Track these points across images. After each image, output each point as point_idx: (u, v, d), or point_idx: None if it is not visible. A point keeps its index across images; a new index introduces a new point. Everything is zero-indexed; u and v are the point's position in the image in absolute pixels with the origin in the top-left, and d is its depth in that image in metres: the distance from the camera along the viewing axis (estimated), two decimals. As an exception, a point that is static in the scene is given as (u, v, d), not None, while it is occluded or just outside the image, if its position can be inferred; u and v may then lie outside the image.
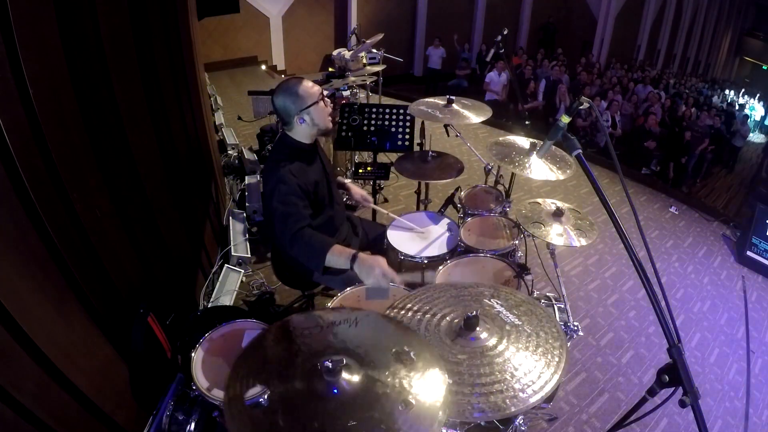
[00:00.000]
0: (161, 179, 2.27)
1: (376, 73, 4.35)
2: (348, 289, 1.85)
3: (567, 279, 3.35)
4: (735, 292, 3.67)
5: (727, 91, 10.30)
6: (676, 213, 4.79)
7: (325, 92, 1.94)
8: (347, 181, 2.35)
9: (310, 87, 1.83)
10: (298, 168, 1.83)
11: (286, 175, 1.78)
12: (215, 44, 8.72)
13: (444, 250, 2.16)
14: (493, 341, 1.23)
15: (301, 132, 1.88)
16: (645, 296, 1.00)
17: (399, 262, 2.18)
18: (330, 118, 1.91)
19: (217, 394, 1.44)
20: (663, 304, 0.99)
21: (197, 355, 1.57)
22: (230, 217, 3.45)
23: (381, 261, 1.63)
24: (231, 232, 3.28)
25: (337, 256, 1.70)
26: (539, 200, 2.28)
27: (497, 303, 1.38)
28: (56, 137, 1.34)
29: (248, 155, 4.37)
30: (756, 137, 10.17)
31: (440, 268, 1.98)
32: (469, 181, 3.01)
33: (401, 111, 3.00)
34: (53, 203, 1.34)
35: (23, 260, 1.21)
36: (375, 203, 3.14)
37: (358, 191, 2.33)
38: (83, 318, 1.47)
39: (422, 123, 2.86)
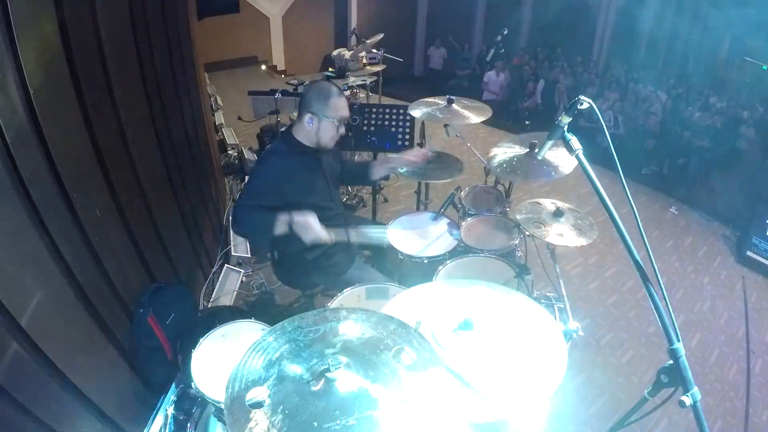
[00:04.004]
0: (161, 179, 2.27)
1: (376, 73, 4.35)
2: (348, 289, 1.85)
3: (567, 279, 3.35)
4: (735, 292, 3.67)
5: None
6: (676, 213, 4.79)
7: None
8: (393, 156, 2.23)
9: (340, 106, 1.82)
10: (289, 170, 1.82)
11: (267, 167, 1.82)
12: (215, 44, 8.70)
13: (444, 250, 2.16)
14: (490, 342, 1.23)
15: (304, 131, 1.86)
16: (645, 296, 1.00)
17: (399, 261, 2.18)
18: (332, 141, 1.89)
19: (217, 394, 1.44)
20: (663, 304, 0.99)
21: (197, 355, 1.57)
22: (230, 217, 3.45)
23: (312, 221, 1.70)
24: (231, 232, 3.28)
25: (280, 224, 1.72)
26: (539, 200, 2.28)
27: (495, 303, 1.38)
28: (56, 137, 1.34)
29: (248, 155, 4.37)
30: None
31: (440, 267, 1.99)
32: (469, 181, 3.01)
33: (401, 111, 3.00)
34: (53, 203, 1.34)
35: (23, 260, 1.21)
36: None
37: (407, 158, 2.17)
38: (83, 318, 1.47)
39: (422, 123, 2.86)
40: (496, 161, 2.20)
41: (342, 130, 1.88)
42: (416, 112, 2.65)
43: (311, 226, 1.70)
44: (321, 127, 1.81)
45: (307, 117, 1.80)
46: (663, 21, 12.02)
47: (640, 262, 1.03)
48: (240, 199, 1.89)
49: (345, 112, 1.84)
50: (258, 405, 0.97)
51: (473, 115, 2.66)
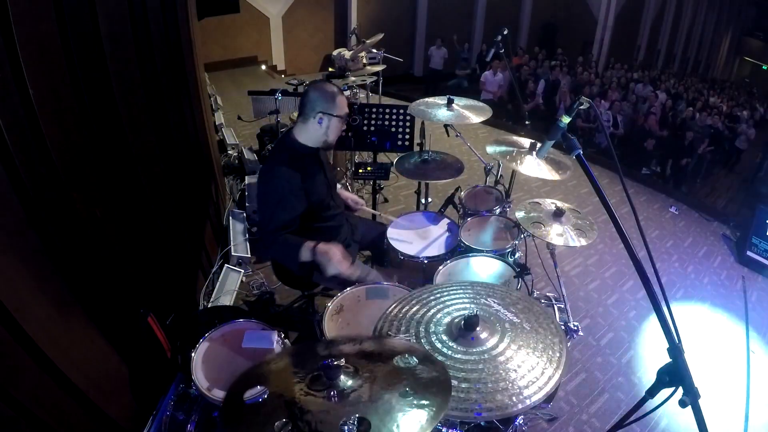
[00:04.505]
0: (161, 179, 2.27)
1: (376, 73, 4.35)
2: (348, 289, 1.84)
3: (567, 279, 3.35)
4: (735, 292, 3.67)
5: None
6: (676, 213, 4.79)
7: None
8: (339, 188, 2.36)
9: (344, 104, 1.90)
10: (295, 173, 1.83)
11: (280, 183, 1.80)
12: (215, 44, 8.71)
13: (444, 250, 2.16)
14: (493, 340, 1.23)
15: (311, 132, 1.88)
16: (645, 296, 1.00)
17: (399, 261, 2.18)
18: (337, 137, 1.95)
19: (217, 394, 1.44)
20: (663, 304, 0.99)
21: (197, 355, 1.57)
22: (230, 217, 3.45)
23: (335, 253, 1.71)
24: (231, 232, 3.28)
25: (304, 252, 1.76)
26: (539, 200, 2.28)
27: (494, 302, 1.38)
28: (56, 137, 1.34)
29: (248, 155, 4.37)
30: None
31: (440, 268, 1.98)
32: (469, 181, 3.01)
33: (401, 111, 3.00)
34: (53, 203, 1.34)
35: (23, 260, 1.21)
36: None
37: (348, 195, 2.34)
38: (83, 318, 1.47)
39: (422, 123, 2.86)
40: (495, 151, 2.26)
41: (344, 125, 1.96)
42: (416, 112, 2.65)
43: (334, 256, 1.71)
44: (331, 125, 1.87)
45: (317, 117, 1.84)
46: (663, 21, 12.03)
47: (640, 262, 1.03)
48: (263, 226, 1.89)
49: (347, 108, 1.93)
50: (256, 403, 0.97)
51: (473, 115, 2.66)
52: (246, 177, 3.90)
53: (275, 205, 1.81)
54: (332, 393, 0.98)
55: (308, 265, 1.82)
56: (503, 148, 2.34)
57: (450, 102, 2.73)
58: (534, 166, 2.17)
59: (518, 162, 2.20)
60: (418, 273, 2.15)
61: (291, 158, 1.86)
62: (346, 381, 1.01)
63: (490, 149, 2.35)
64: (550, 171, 2.17)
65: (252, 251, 3.20)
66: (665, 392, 0.98)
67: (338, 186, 2.40)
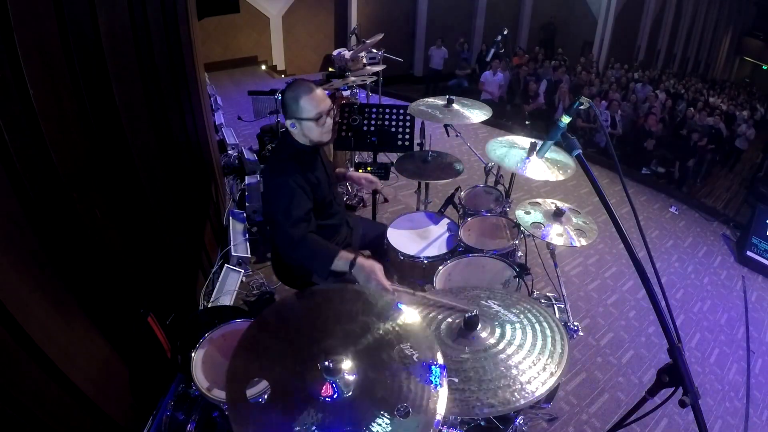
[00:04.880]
0: (161, 179, 2.27)
1: (376, 73, 4.35)
2: (348, 289, 1.84)
3: (567, 279, 3.35)
4: (735, 292, 3.67)
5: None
6: (676, 213, 4.79)
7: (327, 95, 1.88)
8: (350, 170, 2.30)
9: (315, 101, 1.76)
10: (299, 171, 1.82)
11: (288, 178, 1.78)
12: (215, 44, 8.71)
13: (444, 250, 2.16)
14: (493, 339, 1.24)
15: (295, 134, 1.86)
16: (645, 296, 1.00)
17: (399, 261, 2.18)
18: (326, 135, 1.85)
19: (217, 394, 1.44)
20: (663, 304, 0.99)
21: (197, 355, 1.57)
22: (230, 217, 3.45)
23: (378, 270, 1.63)
24: (231, 232, 3.28)
25: (339, 261, 1.70)
26: (539, 200, 2.28)
27: (494, 303, 1.39)
28: (56, 137, 1.34)
29: (248, 155, 4.37)
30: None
31: (440, 268, 1.98)
32: (469, 181, 3.01)
33: (401, 111, 3.00)
34: (53, 203, 1.34)
35: (23, 260, 1.20)
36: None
37: (361, 176, 2.27)
38: (83, 318, 1.47)
39: (422, 123, 2.86)
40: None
41: (329, 121, 1.83)
42: (416, 112, 2.65)
43: (376, 274, 1.62)
44: (304, 128, 1.80)
45: (289, 123, 1.82)
46: (663, 21, 12.03)
47: (640, 262, 1.03)
48: (279, 225, 1.77)
49: (323, 104, 1.78)
50: (257, 404, 0.97)
51: (473, 115, 2.66)
52: (246, 177, 3.89)
53: (286, 201, 1.76)
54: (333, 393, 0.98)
55: (338, 274, 1.77)
56: (502, 150, 2.33)
57: (450, 102, 2.73)
58: (539, 169, 2.16)
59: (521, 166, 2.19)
60: (418, 273, 2.15)
61: (293, 155, 1.85)
62: (345, 383, 1.01)
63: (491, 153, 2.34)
64: (553, 172, 2.17)
65: (252, 251, 3.20)
66: (665, 392, 0.98)
67: (351, 169, 2.37)
